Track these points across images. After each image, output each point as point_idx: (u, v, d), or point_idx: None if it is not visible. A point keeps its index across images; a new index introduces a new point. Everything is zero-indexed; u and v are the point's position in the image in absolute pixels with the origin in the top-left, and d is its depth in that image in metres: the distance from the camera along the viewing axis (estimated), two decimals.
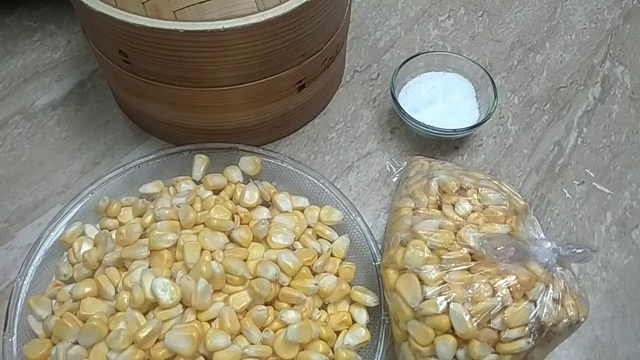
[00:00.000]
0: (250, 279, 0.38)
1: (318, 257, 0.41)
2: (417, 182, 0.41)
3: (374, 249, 0.42)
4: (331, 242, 0.43)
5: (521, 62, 0.59)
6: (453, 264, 0.35)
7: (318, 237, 0.43)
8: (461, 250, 0.35)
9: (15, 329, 0.38)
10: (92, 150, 0.51)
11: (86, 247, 0.41)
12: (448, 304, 0.33)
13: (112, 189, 0.45)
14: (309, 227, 0.44)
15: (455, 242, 0.35)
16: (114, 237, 0.41)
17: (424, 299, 0.34)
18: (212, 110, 0.45)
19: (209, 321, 0.37)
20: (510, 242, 0.34)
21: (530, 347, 0.33)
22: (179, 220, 0.41)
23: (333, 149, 0.51)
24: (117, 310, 0.37)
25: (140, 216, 0.42)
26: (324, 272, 0.41)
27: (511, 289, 0.33)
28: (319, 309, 0.40)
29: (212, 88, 0.43)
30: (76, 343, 0.36)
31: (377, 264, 0.41)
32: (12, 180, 0.49)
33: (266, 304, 0.39)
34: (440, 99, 0.50)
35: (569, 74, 0.58)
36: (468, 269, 0.34)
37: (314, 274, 0.41)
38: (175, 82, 0.42)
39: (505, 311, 0.33)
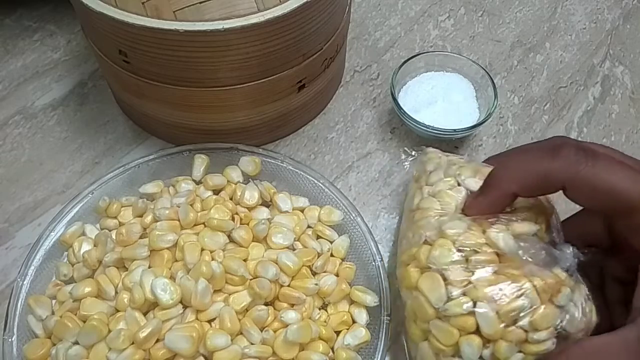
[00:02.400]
0: (250, 279, 0.38)
1: (318, 257, 0.41)
2: (442, 182, 0.40)
3: (374, 249, 0.42)
4: (331, 242, 0.43)
5: (521, 62, 0.59)
6: (480, 265, 0.34)
7: (318, 237, 0.43)
8: (489, 252, 0.34)
9: (15, 329, 0.38)
10: (92, 150, 0.51)
11: (86, 247, 0.41)
12: (474, 304, 0.33)
13: (112, 189, 0.45)
14: (309, 227, 0.44)
15: (483, 243, 0.34)
16: (114, 237, 0.41)
17: (449, 299, 0.33)
18: (212, 110, 0.45)
19: (209, 321, 0.37)
20: (540, 245, 0.34)
21: (554, 348, 0.32)
22: (179, 220, 0.41)
23: (333, 149, 0.51)
24: (117, 310, 0.37)
25: (140, 216, 0.42)
26: (324, 272, 0.41)
27: (538, 291, 0.32)
28: (319, 309, 0.40)
29: (212, 88, 0.43)
30: (76, 343, 0.36)
31: (377, 263, 0.41)
32: (12, 180, 0.49)
33: (266, 304, 0.39)
34: (440, 99, 0.50)
35: (569, 74, 0.58)
36: (495, 271, 0.34)
37: (314, 274, 0.41)
38: (175, 82, 0.42)
39: (533, 313, 0.32)
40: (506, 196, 0.34)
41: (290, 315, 0.37)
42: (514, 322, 0.32)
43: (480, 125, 0.48)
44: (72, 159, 0.50)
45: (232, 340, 0.36)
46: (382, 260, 0.41)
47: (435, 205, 0.38)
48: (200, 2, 0.38)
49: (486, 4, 0.63)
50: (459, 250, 0.34)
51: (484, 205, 0.35)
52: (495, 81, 0.50)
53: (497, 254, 0.34)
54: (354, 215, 0.44)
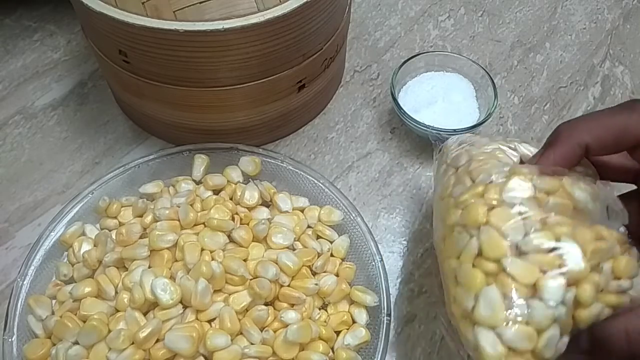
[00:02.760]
0: (250, 279, 0.38)
1: (318, 257, 0.41)
2: (494, 143, 0.37)
3: (374, 249, 0.42)
4: (331, 242, 0.43)
5: (521, 62, 0.59)
6: (556, 210, 0.31)
7: (318, 237, 0.43)
8: (565, 196, 0.32)
9: (15, 329, 0.38)
10: (92, 150, 0.51)
11: (86, 247, 0.41)
12: (557, 241, 0.30)
13: (112, 189, 0.45)
14: (309, 227, 0.44)
15: (559, 187, 0.32)
16: (114, 237, 0.41)
17: (527, 234, 0.30)
18: (212, 110, 0.45)
19: (209, 321, 0.37)
20: (602, 207, 0.32)
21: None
22: (179, 220, 0.41)
23: (333, 149, 0.51)
24: (117, 310, 0.37)
25: (140, 216, 0.42)
26: (324, 272, 0.41)
27: (618, 242, 0.31)
28: (319, 309, 0.40)
29: (212, 88, 0.43)
30: (76, 343, 0.36)
31: (377, 263, 0.41)
32: (12, 180, 0.49)
33: (266, 304, 0.39)
34: (440, 99, 0.50)
35: (569, 74, 0.58)
36: (569, 217, 0.31)
37: (314, 274, 0.41)
38: (175, 82, 0.42)
39: (615, 259, 0.30)
40: (578, 148, 0.32)
41: (290, 315, 0.37)
42: (597, 266, 0.29)
43: (480, 125, 0.48)
44: (72, 159, 0.50)
45: (232, 340, 0.36)
46: (382, 260, 0.41)
47: (493, 158, 0.35)
48: (200, 2, 0.38)
49: (486, 4, 0.63)
50: (535, 189, 0.32)
51: (553, 159, 0.33)
52: (495, 81, 0.50)
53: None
54: (354, 215, 0.44)
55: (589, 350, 0.29)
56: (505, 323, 0.29)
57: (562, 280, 0.29)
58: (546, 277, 0.29)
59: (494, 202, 0.31)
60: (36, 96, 0.54)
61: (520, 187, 0.32)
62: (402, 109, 0.49)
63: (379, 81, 0.56)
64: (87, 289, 0.38)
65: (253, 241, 0.41)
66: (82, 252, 0.41)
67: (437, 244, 0.36)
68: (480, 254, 0.31)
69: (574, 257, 0.29)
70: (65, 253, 0.42)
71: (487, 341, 0.29)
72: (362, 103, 0.54)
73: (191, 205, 0.42)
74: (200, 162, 0.46)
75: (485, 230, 0.31)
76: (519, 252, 0.30)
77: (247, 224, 0.42)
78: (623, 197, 0.36)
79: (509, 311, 0.29)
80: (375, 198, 0.49)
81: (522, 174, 0.32)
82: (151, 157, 0.46)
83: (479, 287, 0.30)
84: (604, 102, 0.56)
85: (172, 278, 0.38)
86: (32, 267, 0.41)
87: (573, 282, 0.29)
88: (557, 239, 0.30)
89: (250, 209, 0.44)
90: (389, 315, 0.39)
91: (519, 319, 0.29)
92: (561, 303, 0.29)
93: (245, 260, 0.39)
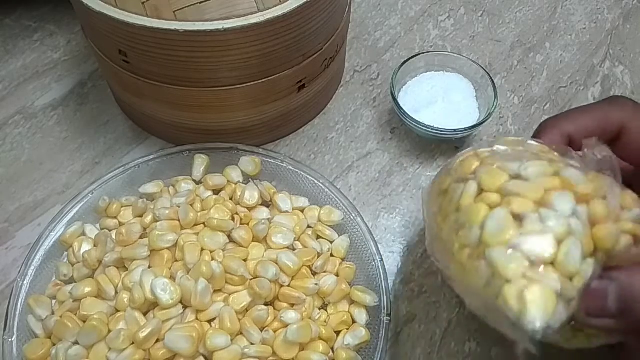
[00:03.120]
0: (250, 279, 0.38)
1: (318, 257, 0.41)
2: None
3: (374, 249, 0.42)
4: (331, 242, 0.43)
5: (521, 62, 0.59)
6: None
7: (318, 237, 0.43)
8: (556, 156, 0.32)
9: (15, 329, 0.38)
10: (92, 150, 0.51)
11: (86, 247, 0.41)
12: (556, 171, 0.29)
13: (112, 189, 0.45)
14: (309, 227, 0.44)
15: (548, 151, 0.32)
16: (114, 237, 0.41)
17: (523, 163, 0.30)
18: (212, 110, 0.45)
19: (209, 321, 0.37)
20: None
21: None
22: (179, 220, 0.41)
23: (333, 149, 0.51)
24: (117, 310, 0.37)
25: (140, 216, 0.42)
26: (324, 272, 0.41)
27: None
28: (319, 309, 0.40)
29: (212, 88, 0.43)
30: (76, 343, 0.36)
31: (377, 263, 0.41)
32: (12, 180, 0.49)
33: (266, 304, 0.39)
34: (440, 99, 0.50)
35: (569, 74, 0.58)
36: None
37: (314, 274, 0.41)
38: (175, 82, 0.42)
39: (619, 193, 0.29)
40: (562, 137, 0.33)
41: (290, 315, 0.37)
42: (603, 197, 0.28)
43: (480, 125, 0.48)
44: (72, 159, 0.50)
45: (232, 340, 0.36)
46: (382, 260, 0.41)
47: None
48: (200, 2, 0.38)
49: (486, 4, 0.63)
50: (524, 149, 0.32)
51: None
52: (495, 81, 0.50)
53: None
54: (354, 215, 0.44)
55: (618, 313, 0.28)
56: (519, 233, 0.27)
57: (570, 194, 0.28)
58: (553, 193, 0.28)
59: (486, 154, 0.32)
60: (36, 96, 0.54)
61: (510, 143, 0.32)
62: (402, 109, 0.49)
63: (379, 81, 0.56)
64: (87, 289, 0.38)
65: (253, 241, 0.41)
66: (82, 252, 0.41)
67: (431, 227, 0.34)
68: (480, 192, 0.30)
69: (577, 177, 0.28)
70: (65, 253, 0.42)
71: (503, 258, 0.27)
72: (362, 103, 0.54)
73: (191, 205, 0.42)
74: (200, 162, 0.46)
75: (482, 168, 0.31)
76: (520, 178, 0.29)
77: (247, 224, 0.42)
78: None
79: (521, 222, 0.27)
80: (375, 198, 0.49)
81: (510, 137, 0.33)
82: (151, 157, 0.46)
83: (483, 216, 0.29)
84: None
85: (172, 278, 0.38)
86: (32, 267, 0.41)
87: (582, 200, 0.28)
88: (556, 171, 0.29)
89: (250, 209, 0.44)
90: (389, 315, 0.39)
91: (533, 226, 0.27)
92: (574, 216, 0.27)
93: (245, 260, 0.39)
